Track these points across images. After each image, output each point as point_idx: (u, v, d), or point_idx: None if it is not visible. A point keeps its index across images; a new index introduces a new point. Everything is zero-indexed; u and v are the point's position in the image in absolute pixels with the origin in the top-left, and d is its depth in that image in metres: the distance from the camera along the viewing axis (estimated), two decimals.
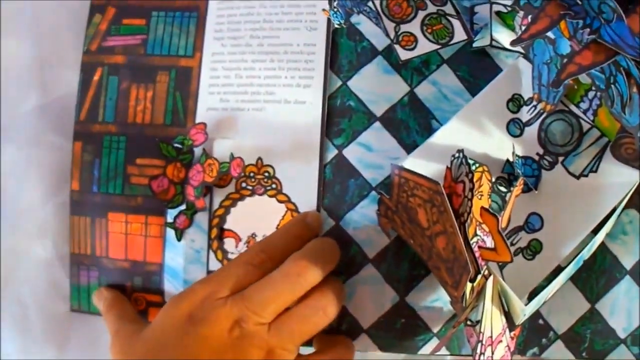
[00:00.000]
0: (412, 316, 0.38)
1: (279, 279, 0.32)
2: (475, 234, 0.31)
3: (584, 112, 0.36)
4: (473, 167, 0.35)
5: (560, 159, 0.36)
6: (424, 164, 0.36)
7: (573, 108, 0.36)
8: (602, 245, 0.37)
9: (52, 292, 0.40)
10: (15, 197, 0.40)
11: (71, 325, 0.41)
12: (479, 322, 0.34)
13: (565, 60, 0.30)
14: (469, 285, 0.30)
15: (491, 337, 0.34)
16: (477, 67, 0.38)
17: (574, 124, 0.37)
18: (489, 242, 0.32)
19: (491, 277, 0.32)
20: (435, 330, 0.38)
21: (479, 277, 0.31)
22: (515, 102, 0.37)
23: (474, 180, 0.29)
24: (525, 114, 0.37)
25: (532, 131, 0.37)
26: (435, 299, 0.38)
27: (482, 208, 0.31)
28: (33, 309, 0.40)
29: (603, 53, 0.27)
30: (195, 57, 0.39)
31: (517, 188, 0.35)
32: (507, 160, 0.36)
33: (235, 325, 0.32)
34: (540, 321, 0.37)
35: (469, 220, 0.30)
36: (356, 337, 0.38)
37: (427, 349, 0.38)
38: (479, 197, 0.34)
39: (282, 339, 0.32)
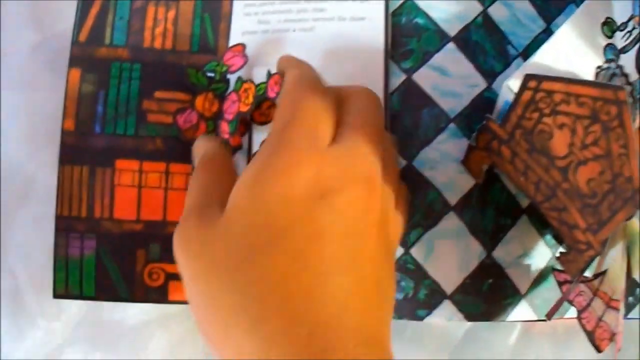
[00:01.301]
0: (500, 275, 0.31)
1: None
2: None
3: None
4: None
5: None
6: None
7: None
8: None
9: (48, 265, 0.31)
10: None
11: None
12: (598, 275, 0.28)
13: None
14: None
15: (612, 294, 0.28)
16: None
17: None
18: None
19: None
20: (522, 291, 0.31)
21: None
22: (609, 26, 0.32)
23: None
24: (619, 40, 0.32)
25: (628, 59, 0.32)
26: (521, 254, 0.32)
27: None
28: (27, 286, 0.31)
29: None
30: None
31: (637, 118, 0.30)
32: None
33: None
34: None
35: None
36: (437, 305, 0.30)
37: (515, 314, 0.31)
38: None
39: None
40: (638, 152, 0.25)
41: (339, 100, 0.25)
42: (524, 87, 0.27)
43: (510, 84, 0.29)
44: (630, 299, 0.33)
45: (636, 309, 0.33)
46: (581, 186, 0.27)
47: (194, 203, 0.24)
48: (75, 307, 0.32)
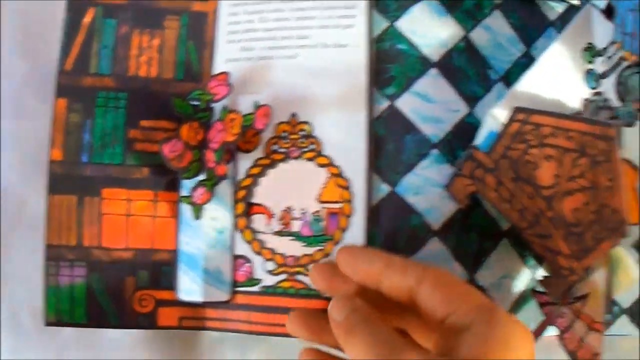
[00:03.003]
0: None
1: None
2: None
3: None
4: None
5: None
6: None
7: None
8: None
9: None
10: None
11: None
12: (580, 298, 0.29)
13: None
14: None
15: (595, 316, 0.29)
16: (526, 15, 0.34)
17: None
18: None
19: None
20: None
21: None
22: (590, 52, 0.32)
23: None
24: (599, 65, 0.32)
25: (608, 84, 0.32)
26: (503, 276, 0.32)
27: (625, 160, 0.26)
28: (26, 311, 0.31)
29: None
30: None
31: None
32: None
33: None
34: None
35: None
36: None
37: None
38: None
39: None
40: (624, 186, 0.25)
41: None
42: (512, 119, 0.28)
43: (496, 113, 0.30)
44: (608, 316, 0.34)
45: (614, 326, 0.34)
46: (566, 215, 0.27)
47: None
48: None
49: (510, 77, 0.33)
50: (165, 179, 0.31)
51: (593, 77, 0.32)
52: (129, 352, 0.33)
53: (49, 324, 0.31)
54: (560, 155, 0.26)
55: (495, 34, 0.33)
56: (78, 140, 0.31)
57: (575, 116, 0.25)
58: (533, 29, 0.34)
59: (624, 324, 0.34)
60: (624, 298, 0.34)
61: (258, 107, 0.30)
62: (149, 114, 0.32)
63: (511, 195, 0.29)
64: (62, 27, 0.32)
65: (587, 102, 0.29)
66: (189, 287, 0.31)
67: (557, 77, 0.31)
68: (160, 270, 0.31)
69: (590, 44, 0.32)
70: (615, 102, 0.32)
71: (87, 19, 0.32)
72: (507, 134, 0.28)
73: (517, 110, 0.27)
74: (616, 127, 0.25)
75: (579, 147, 0.26)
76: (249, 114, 0.30)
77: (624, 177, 0.27)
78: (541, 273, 0.32)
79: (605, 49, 0.32)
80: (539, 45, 0.34)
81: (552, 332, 0.31)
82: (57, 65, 0.31)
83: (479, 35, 0.33)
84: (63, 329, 0.32)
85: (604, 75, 0.32)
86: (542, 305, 0.32)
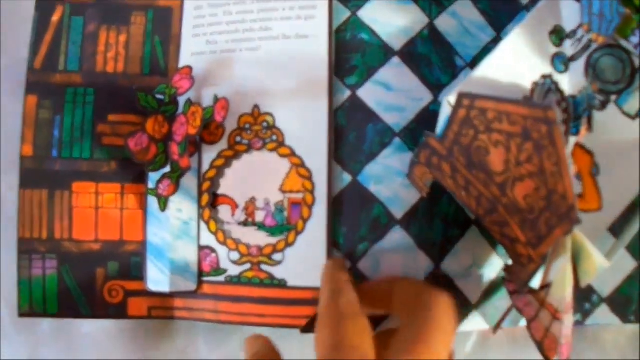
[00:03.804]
0: (449, 287, 0.32)
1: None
2: None
3: (636, 47, 0.31)
4: None
5: (613, 97, 0.31)
6: None
7: (623, 42, 0.32)
8: None
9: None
10: None
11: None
12: (544, 287, 0.28)
13: None
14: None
15: (558, 306, 0.28)
16: (497, 0, 0.34)
17: (625, 59, 0.32)
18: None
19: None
20: (473, 301, 0.32)
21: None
22: (558, 34, 0.32)
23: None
24: (569, 48, 0.32)
25: (578, 67, 0.32)
26: (471, 265, 0.32)
27: (577, 145, 0.25)
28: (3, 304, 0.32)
29: None
30: None
31: (583, 130, 0.30)
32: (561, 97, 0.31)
33: None
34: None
35: None
36: (386, 318, 0.31)
37: (467, 325, 0.32)
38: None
39: None
40: (570, 170, 0.25)
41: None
42: (458, 104, 0.27)
43: (450, 100, 0.29)
44: (587, 305, 0.34)
45: (593, 315, 0.33)
46: (519, 202, 0.27)
47: None
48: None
49: (478, 64, 0.32)
50: (133, 172, 0.32)
51: (561, 60, 0.32)
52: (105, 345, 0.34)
53: (22, 315, 0.32)
54: (507, 141, 0.26)
55: (462, 20, 0.33)
56: (48, 136, 0.32)
57: (515, 100, 0.25)
58: (505, 13, 0.34)
59: (604, 313, 0.34)
60: (603, 286, 0.33)
61: (217, 100, 0.31)
62: (117, 108, 0.32)
63: (467, 182, 0.28)
64: (32, 26, 0.32)
65: (535, 85, 0.28)
66: (157, 277, 0.32)
67: (520, 62, 0.30)
68: (130, 261, 0.32)
69: (558, 26, 0.32)
70: (567, 85, 0.31)
71: (55, 17, 0.33)
72: (456, 120, 0.27)
73: (461, 95, 0.26)
74: (556, 110, 0.24)
75: (523, 132, 0.25)
76: (209, 107, 0.31)
77: (578, 163, 0.26)
78: (506, 263, 0.32)
79: (573, 31, 0.31)
80: (510, 30, 0.33)
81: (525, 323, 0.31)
82: (26, 63, 0.32)
83: (444, 22, 0.33)
84: (40, 323, 0.33)
85: (572, 58, 0.32)
86: (511, 293, 0.31)
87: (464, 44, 0.33)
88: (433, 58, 0.32)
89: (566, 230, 0.25)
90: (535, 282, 0.30)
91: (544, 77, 0.26)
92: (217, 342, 0.34)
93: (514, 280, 0.30)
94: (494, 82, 0.29)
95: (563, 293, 0.29)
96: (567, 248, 0.28)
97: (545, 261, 0.27)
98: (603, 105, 0.32)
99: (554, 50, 0.32)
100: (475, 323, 0.32)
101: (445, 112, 0.30)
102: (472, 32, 0.33)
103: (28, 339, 0.33)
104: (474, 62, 0.33)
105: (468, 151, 0.27)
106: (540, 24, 0.31)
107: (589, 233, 0.30)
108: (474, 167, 0.27)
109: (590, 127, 0.31)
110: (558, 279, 0.29)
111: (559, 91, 0.26)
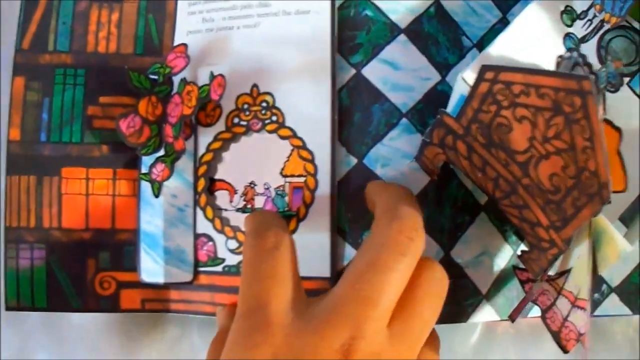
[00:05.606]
0: (460, 275, 0.30)
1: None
2: None
3: None
4: None
5: (626, 80, 0.30)
6: None
7: (635, 24, 0.30)
8: None
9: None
10: None
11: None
12: (562, 274, 0.27)
13: None
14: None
15: (578, 293, 0.27)
16: None
17: (637, 41, 0.31)
18: None
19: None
20: (483, 291, 0.30)
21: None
22: (569, 14, 0.30)
23: None
24: (579, 29, 0.30)
25: (589, 48, 0.30)
26: (481, 253, 0.30)
27: (606, 120, 0.24)
28: None
29: None
30: None
31: (600, 109, 0.28)
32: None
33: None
34: None
35: None
36: None
37: (477, 315, 0.30)
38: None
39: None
40: (604, 145, 0.23)
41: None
42: (480, 78, 0.26)
43: (465, 76, 0.28)
44: (596, 295, 0.32)
45: (602, 306, 0.31)
46: (543, 182, 0.25)
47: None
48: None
49: (486, 44, 0.31)
50: (125, 156, 0.30)
51: (572, 42, 0.30)
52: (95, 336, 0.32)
53: (9, 308, 0.30)
54: (534, 116, 0.24)
55: (468, 0, 0.32)
56: (36, 119, 0.30)
57: (547, 71, 0.23)
58: None
59: (614, 304, 0.32)
60: (613, 275, 0.32)
61: (213, 77, 0.29)
62: (108, 90, 0.31)
63: (484, 162, 0.27)
64: (20, 4, 0.31)
65: (561, 59, 0.27)
66: (151, 267, 0.30)
67: (534, 41, 0.29)
68: (122, 251, 0.30)
69: (569, 6, 0.30)
70: (598, 65, 0.30)
71: None
72: (477, 96, 0.26)
73: (485, 68, 0.25)
74: (592, 81, 0.23)
75: (553, 105, 0.24)
76: (205, 86, 0.29)
77: (605, 139, 0.24)
78: (522, 249, 0.30)
79: (585, 11, 0.30)
80: (517, 11, 0.32)
81: (536, 312, 0.29)
82: (14, 43, 0.31)
83: (451, 1, 0.31)
84: (29, 314, 0.32)
85: (584, 39, 0.30)
86: (523, 282, 0.30)
87: (470, 23, 0.31)
88: (440, 37, 0.31)
89: (595, 211, 0.23)
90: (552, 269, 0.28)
91: (571, 49, 0.24)
92: (211, 335, 0.32)
93: (531, 267, 0.28)
94: (508, 61, 0.27)
95: (584, 279, 0.27)
96: (590, 231, 0.26)
97: (568, 245, 0.26)
98: (616, 88, 0.30)
99: (566, 30, 0.30)
100: (486, 314, 0.30)
101: (459, 90, 0.28)
102: (478, 12, 0.32)
103: (17, 330, 0.32)
104: (481, 43, 0.31)
105: (488, 129, 0.25)
106: (552, 3, 0.30)
107: (610, 216, 0.29)
108: (493, 145, 0.25)
109: (604, 108, 0.30)
110: (579, 264, 0.27)
111: (587, 65, 0.24)
